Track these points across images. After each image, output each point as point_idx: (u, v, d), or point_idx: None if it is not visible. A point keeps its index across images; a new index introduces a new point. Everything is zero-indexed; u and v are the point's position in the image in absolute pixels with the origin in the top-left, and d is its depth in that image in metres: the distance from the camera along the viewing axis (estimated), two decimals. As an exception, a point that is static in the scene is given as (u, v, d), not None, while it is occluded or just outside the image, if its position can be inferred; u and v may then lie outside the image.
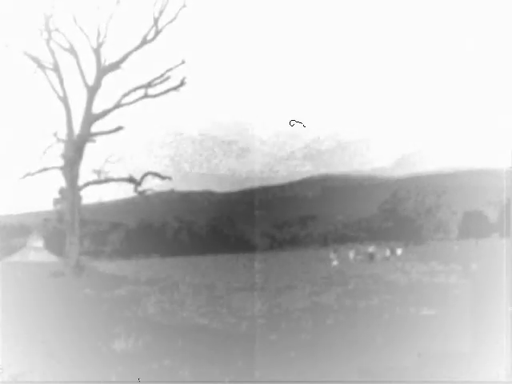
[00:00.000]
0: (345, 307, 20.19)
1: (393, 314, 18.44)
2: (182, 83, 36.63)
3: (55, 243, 51.20)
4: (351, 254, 52.38)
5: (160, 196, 65.94)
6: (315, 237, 76.91)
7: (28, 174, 35.64)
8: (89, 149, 35.75)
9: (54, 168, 35.27)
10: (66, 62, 35.35)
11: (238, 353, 13.45)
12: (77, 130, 35.22)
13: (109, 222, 70.07)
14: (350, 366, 12.27)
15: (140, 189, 37.31)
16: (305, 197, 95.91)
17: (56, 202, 60.59)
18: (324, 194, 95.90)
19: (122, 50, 36.00)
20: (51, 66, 34.80)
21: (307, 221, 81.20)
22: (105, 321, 17.43)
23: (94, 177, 37.26)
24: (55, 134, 35.10)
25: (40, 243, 53.56)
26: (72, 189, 34.69)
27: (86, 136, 35.26)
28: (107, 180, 37.61)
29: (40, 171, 35.60)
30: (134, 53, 36.02)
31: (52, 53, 34.91)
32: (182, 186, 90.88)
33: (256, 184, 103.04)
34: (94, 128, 35.78)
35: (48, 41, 34.71)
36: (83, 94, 35.53)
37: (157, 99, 37.01)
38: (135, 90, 36.27)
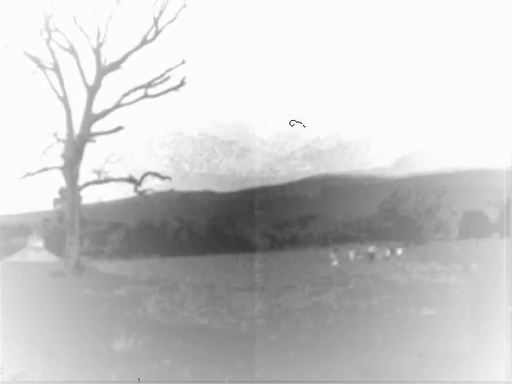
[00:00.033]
0: (345, 307, 20.18)
1: (393, 314, 18.43)
2: (182, 83, 36.64)
3: (55, 243, 51.19)
4: (351, 254, 52.35)
5: (160, 196, 65.91)
6: (315, 237, 76.89)
7: (28, 174, 35.65)
8: (89, 149, 35.78)
9: (53, 168, 35.27)
10: (65, 62, 35.39)
11: (238, 353, 13.44)
12: (77, 130, 35.23)
13: (109, 222, 70.05)
14: (349, 365, 12.26)
15: (140, 189, 37.33)
16: (305, 197, 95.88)
17: (56, 201, 60.57)
18: (324, 194, 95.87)
19: (122, 50, 36.04)
20: (51, 66, 34.80)
21: (307, 221, 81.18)
22: (105, 321, 17.42)
23: (94, 177, 37.28)
24: (55, 134, 35.11)
25: (40, 243, 53.55)
26: (72, 189, 34.70)
27: (86, 136, 35.27)
28: (107, 180, 37.61)
29: (40, 171, 35.61)
30: (134, 53, 36.03)
31: (52, 53, 34.92)
32: (182, 186, 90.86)
33: (256, 184, 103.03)
34: (94, 128, 35.82)
35: (48, 41, 34.72)
36: (83, 94, 35.55)
37: (157, 99, 37.04)
38: (135, 89, 36.28)
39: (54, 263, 40.76)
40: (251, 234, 72.62)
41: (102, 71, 35.69)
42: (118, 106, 36.01)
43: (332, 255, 49.33)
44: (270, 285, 29.50)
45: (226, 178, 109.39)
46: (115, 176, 38.23)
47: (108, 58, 35.80)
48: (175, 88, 36.68)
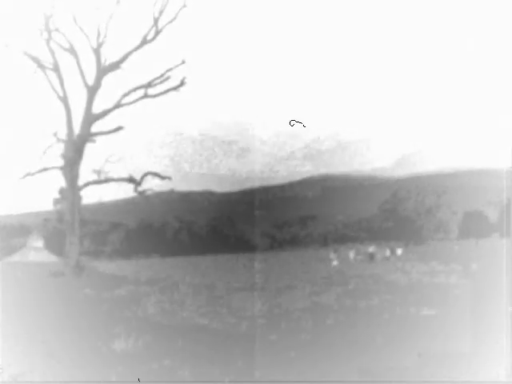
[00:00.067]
0: (345, 307, 20.18)
1: (393, 313, 18.43)
2: (182, 83, 36.64)
3: (55, 243, 51.19)
4: (351, 254, 52.35)
5: (160, 196, 65.89)
6: (315, 237, 76.88)
7: (28, 174, 35.65)
8: (89, 149, 35.78)
9: (54, 168, 35.28)
10: (66, 62, 35.39)
11: (238, 353, 13.44)
12: (77, 130, 35.23)
13: (109, 222, 70.04)
14: (349, 365, 12.26)
15: (140, 189, 37.33)
16: (305, 197, 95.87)
17: (56, 201, 60.57)
18: (324, 194, 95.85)
19: (122, 50, 36.04)
20: (51, 66, 34.80)
21: (307, 221, 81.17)
22: (105, 321, 17.43)
23: (94, 177, 37.29)
24: (55, 134, 35.12)
25: (40, 243, 53.55)
26: (72, 189, 34.70)
27: (86, 136, 35.27)
28: (107, 180, 37.62)
29: (40, 171, 35.62)
30: (134, 53, 36.03)
31: (52, 53, 34.92)
32: (182, 186, 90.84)
33: (256, 184, 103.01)
34: (94, 128, 35.82)
35: (48, 41, 34.72)
36: (83, 94, 35.55)
37: (157, 99, 37.04)
38: (135, 89, 36.28)
39: (54, 263, 40.75)
40: (251, 234, 72.61)
41: (102, 71, 35.70)
42: (117, 105, 36.02)
43: (332, 255, 49.33)
44: (270, 285, 29.50)
45: (226, 177, 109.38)
46: (115, 176, 38.24)
47: (108, 58, 35.83)
48: (175, 88, 36.68)
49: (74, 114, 35.33)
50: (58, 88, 34.92)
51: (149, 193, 38.17)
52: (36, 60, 34.68)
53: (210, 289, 27.24)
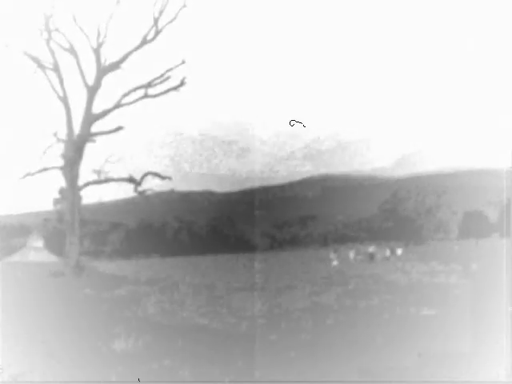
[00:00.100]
0: (345, 307, 20.19)
1: (393, 313, 18.43)
2: (182, 83, 36.64)
3: (55, 243, 51.18)
4: (351, 254, 52.35)
5: (160, 196, 65.89)
6: (315, 237, 76.88)
7: (28, 174, 35.65)
8: (89, 149, 35.78)
9: (54, 168, 35.28)
10: (66, 62, 35.39)
11: (238, 353, 13.45)
12: (77, 130, 35.23)
13: (109, 222, 70.03)
14: (349, 365, 12.26)
15: (140, 189, 37.33)
16: (305, 197, 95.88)
17: (56, 201, 60.57)
18: (324, 194, 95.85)
19: (122, 50, 36.04)
20: (51, 66, 34.80)
21: (307, 221, 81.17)
22: (105, 321, 17.43)
23: (94, 177, 37.29)
24: (55, 134, 35.12)
25: (40, 243, 53.54)
26: (72, 189, 34.70)
27: (86, 136, 35.27)
28: (107, 180, 37.62)
29: (40, 171, 35.62)
30: (134, 53, 36.03)
31: (52, 53, 34.92)
32: (182, 186, 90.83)
33: (256, 184, 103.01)
34: (94, 128, 35.82)
35: (48, 41, 34.72)
36: (83, 94, 35.55)
37: (157, 99, 37.04)
38: (135, 89, 36.28)
39: (54, 263, 40.75)
40: (251, 234, 72.61)
41: (102, 71, 35.70)
42: (117, 105, 36.02)
43: (332, 255, 49.33)
44: (270, 285, 29.50)
45: (226, 177, 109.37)
46: (115, 176, 38.24)
47: (108, 58, 35.83)
48: (175, 88, 36.68)
49: (74, 114, 35.36)
50: (58, 88, 34.93)
51: (149, 193, 38.17)
52: (36, 60, 34.68)
53: (210, 289, 27.24)
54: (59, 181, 36.23)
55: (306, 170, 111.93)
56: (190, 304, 21.34)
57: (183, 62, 36.75)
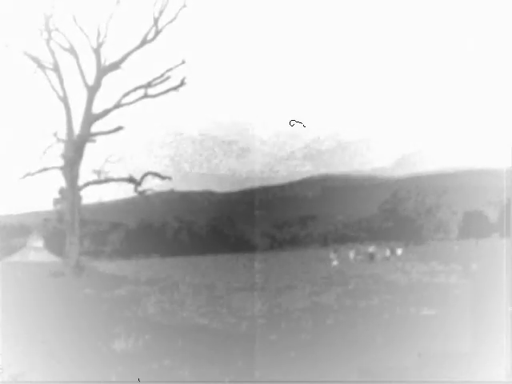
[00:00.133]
0: (345, 307, 20.18)
1: (393, 313, 18.43)
2: (182, 83, 36.64)
3: (55, 243, 51.16)
4: (351, 254, 52.33)
5: (160, 196, 65.84)
6: (315, 237, 76.86)
7: (28, 174, 35.65)
8: (89, 149, 35.78)
9: (54, 168, 35.28)
10: (66, 62, 35.40)
11: (238, 353, 13.44)
12: (77, 130, 35.23)
13: (109, 222, 70.00)
14: (349, 366, 12.26)
15: (140, 189, 37.33)
16: (305, 197, 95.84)
17: (56, 201, 60.53)
18: (324, 194, 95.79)
19: (122, 50, 36.04)
20: (51, 66, 34.80)
21: (307, 221, 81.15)
22: (105, 321, 17.43)
23: (94, 177, 37.30)
24: (55, 134, 35.12)
25: (40, 243, 53.53)
26: (72, 189, 34.70)
27: (86, 136, 35.27)
28: (107, 180, 37.62)
29: (40, 171, 35.62)
30: (134, 53, 36.03)
31: (52, 53, 34.92)
32: (182, 186, 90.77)
33: (256, 184, 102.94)
34: (94, 128, 35.82)
35: (48, 41, 34.72)
36: (83, 94, 35.56)
37: (157, 99, 37.04)
38: (135, 89, 36.28)
39: (54, 263, 40.72)
40: (251, 234, 72.59)
41: (102, 71, 35.69)
42: (117, 105, 36.01)
43: (332, 255, 49.32)
44: (270, 285, 29.49)
45: (226, 177, 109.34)
46: (115, 176, 38.24)
47: (108, 58, 35.83)
48: (175, 88, 36.68)
49: (74, 113, 35.36)
50: (58, 88, 34.94)
51: (149, 193, 38.17)
52: (36, 60, 34.68)
53: (210, 289, 27.23)
54: (59, 181, 36.27)
55: (306, 169, 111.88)
56: (189, 304, 21.34)
57: (183, 62, 36.75)
